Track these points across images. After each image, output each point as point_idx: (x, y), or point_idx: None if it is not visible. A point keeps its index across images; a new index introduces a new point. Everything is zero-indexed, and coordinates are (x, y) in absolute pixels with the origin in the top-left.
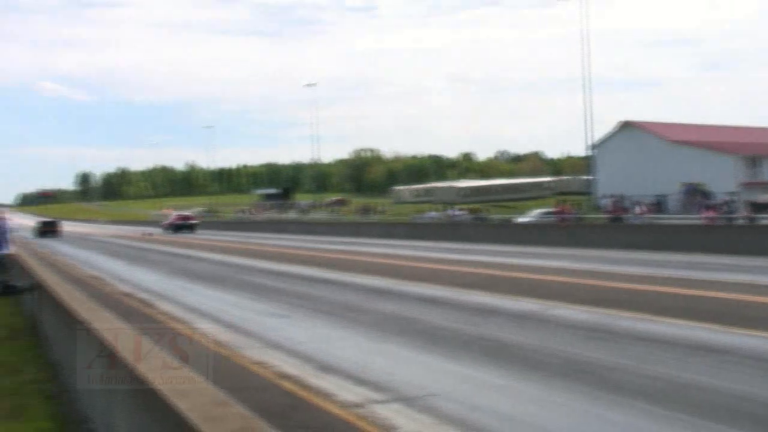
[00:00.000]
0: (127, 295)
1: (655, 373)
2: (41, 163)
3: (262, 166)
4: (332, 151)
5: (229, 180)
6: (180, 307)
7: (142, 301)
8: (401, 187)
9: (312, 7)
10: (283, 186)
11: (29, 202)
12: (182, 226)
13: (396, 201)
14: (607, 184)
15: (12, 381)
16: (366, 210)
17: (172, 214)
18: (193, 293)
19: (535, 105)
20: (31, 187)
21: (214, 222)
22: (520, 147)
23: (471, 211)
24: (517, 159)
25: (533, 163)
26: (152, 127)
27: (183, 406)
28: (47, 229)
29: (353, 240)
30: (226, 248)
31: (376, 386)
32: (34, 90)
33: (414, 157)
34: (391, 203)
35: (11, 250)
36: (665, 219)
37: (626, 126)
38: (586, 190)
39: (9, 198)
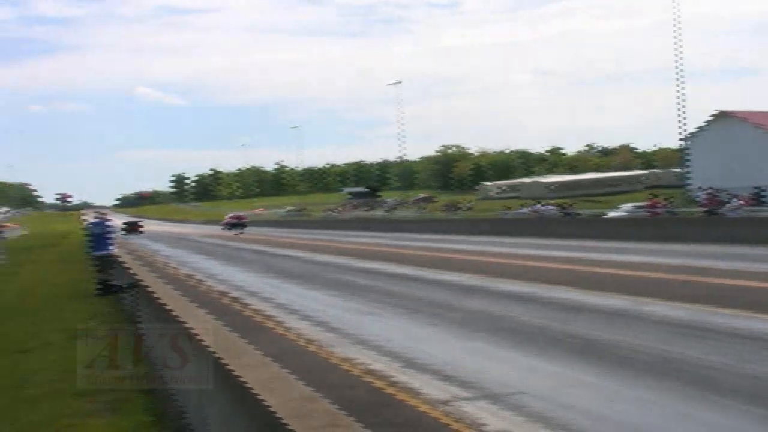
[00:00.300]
0: (221, 293)
1: (755, 372)
2: (139, 166)
3: (349, 164)
4: (418, 148)
5: (317, 179)
6: (271, 305)
7: (234, 299)
8: (488, 183)
9: (396, 5)
10: (369, 184)
11: (128, 203)
12: (236, 224)
13: (483, 197)
14: (702, 176)
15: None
16: (452, 207)
17: (259, 211)
18: (283, 291)
19: (626, 96)
20: (131, 189)
21: (303, 221)
22: (610, 140)
23: (559, 206)
24: (607, 152)
25: (624, 156)
26: (242, 128)
27: (272, 401)
28: (132, 228)
29: (440, 237)
30: (316, 246)
31: (463, 383)
32: (131, 95)
33: (501, 153)
34: (478, 199)
35: (114, 249)
36: (765, 211)
37: (721, 116)
38: (680, 183)
39: (111, 200)
